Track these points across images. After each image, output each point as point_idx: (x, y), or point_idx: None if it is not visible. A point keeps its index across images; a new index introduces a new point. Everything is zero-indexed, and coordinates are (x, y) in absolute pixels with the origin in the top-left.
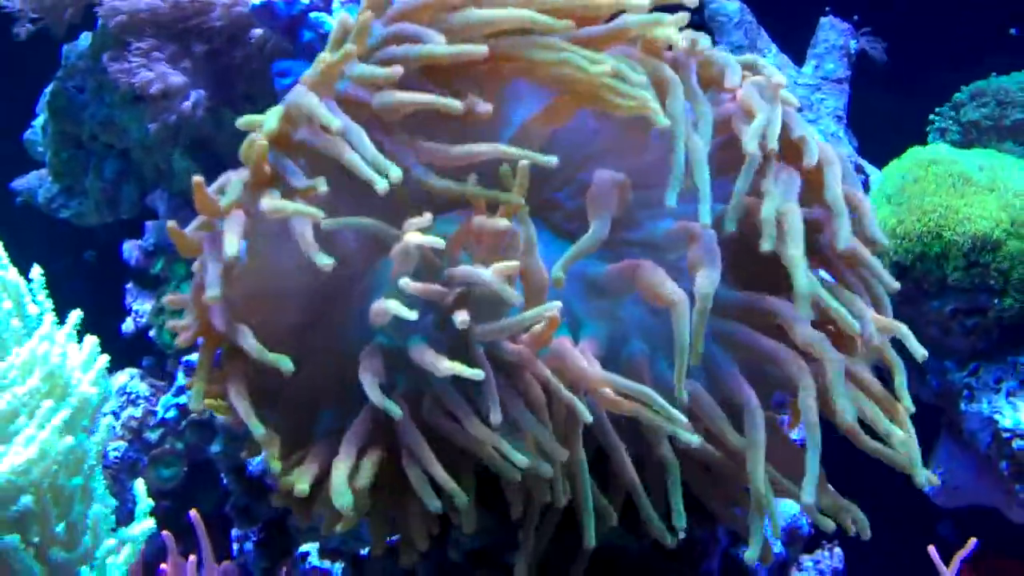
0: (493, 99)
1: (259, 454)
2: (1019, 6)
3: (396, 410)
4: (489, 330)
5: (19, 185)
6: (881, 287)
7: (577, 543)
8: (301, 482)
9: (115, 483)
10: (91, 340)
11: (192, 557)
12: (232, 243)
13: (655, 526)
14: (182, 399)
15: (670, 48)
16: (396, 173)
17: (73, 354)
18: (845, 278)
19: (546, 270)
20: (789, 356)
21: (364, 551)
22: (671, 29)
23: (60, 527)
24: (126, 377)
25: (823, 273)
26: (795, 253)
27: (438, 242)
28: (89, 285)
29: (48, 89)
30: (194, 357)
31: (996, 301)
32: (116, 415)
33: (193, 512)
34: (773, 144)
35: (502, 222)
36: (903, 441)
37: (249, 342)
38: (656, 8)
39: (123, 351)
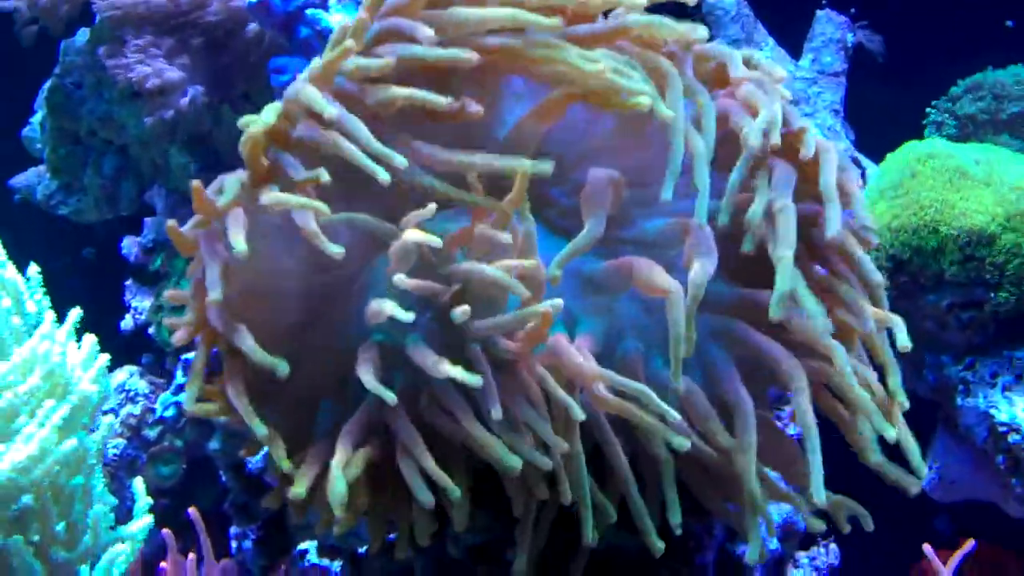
0: (489, 96)
1: (258, 453)
2: None
3: (390, 395)
4: (486, 326)
5: (17, 182)
6: (872, 278)
7: (575, 541)
8: (299, 486)
9: (114, 480)
10: (90, 338)
11: (192, 555)
12: (240, 241)
13: (644, 525)
14: (181, 397)
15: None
16: (400, 161)
17: (73, 352)
18: (840, 272)
19: (544, 267)
20: (782, 354)
21: (362, 549)
22: (669, 27)
23: (60, 526)
24: (125, 375)
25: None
26: (783, 255)
27: (436, 240)
28: (88, 282)
29: (46, 85)
30: (193, 355)
31: (992, 295)
32: (115, 412)
33: (192, 510)
34: (776, 139)
35: (504, 235)
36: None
37: (247, 343)
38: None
39: (122, 348)
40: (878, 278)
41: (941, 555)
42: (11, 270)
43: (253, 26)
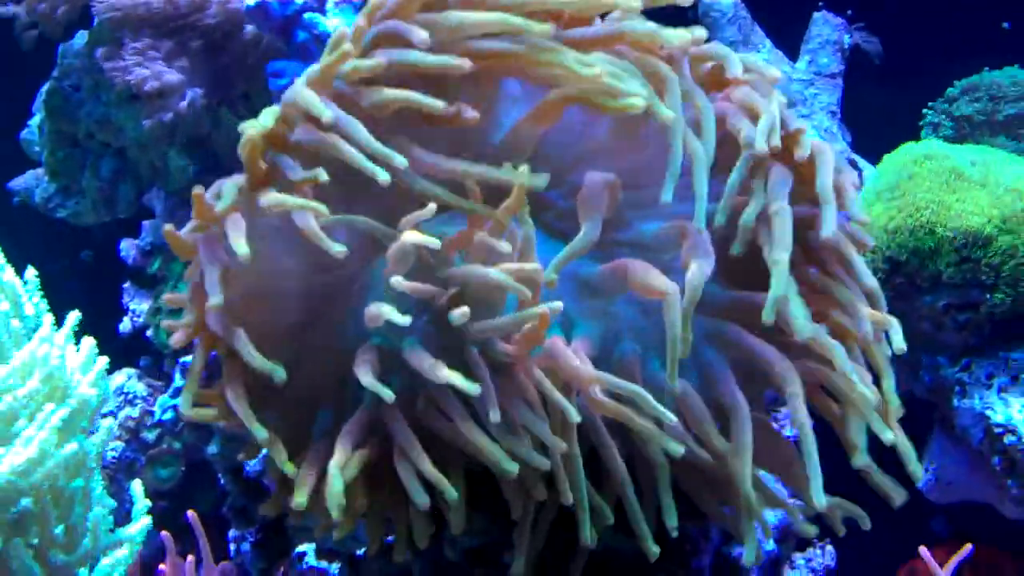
0: (486, 98)
1: (256, 456)
2: (1011, 0)
3: (388, 392)
4: (483, 328)
5: (16, 185)
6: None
7: (572, 543)
8: (300, 495)
9: (112, 483)
10: (89, 341)
11: (190, 557)
12: (241, 244)
13: (640, 529)
14: (179, 400)
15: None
16: (400, 161)
17: (72, 355)
18: (835, 274)
19: (542, 270)
20: (776, 357)
21: (360, 551)
22: (666, 37)
23: (60, 529)
24: (123, 377)
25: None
26: (779, 258)
27: (434, 242)
28: (86, 285)
29: (44, 88)
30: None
31: (988, 296)
32: (114, 415)
33: (191, 512)
34: (776, 142)
35: (503, 244)
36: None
37: (246, 348)
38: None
39: (120, 351)
40: (871, 281)
41: (937, 556)
42: (9, 273)
43: (251, 28)
